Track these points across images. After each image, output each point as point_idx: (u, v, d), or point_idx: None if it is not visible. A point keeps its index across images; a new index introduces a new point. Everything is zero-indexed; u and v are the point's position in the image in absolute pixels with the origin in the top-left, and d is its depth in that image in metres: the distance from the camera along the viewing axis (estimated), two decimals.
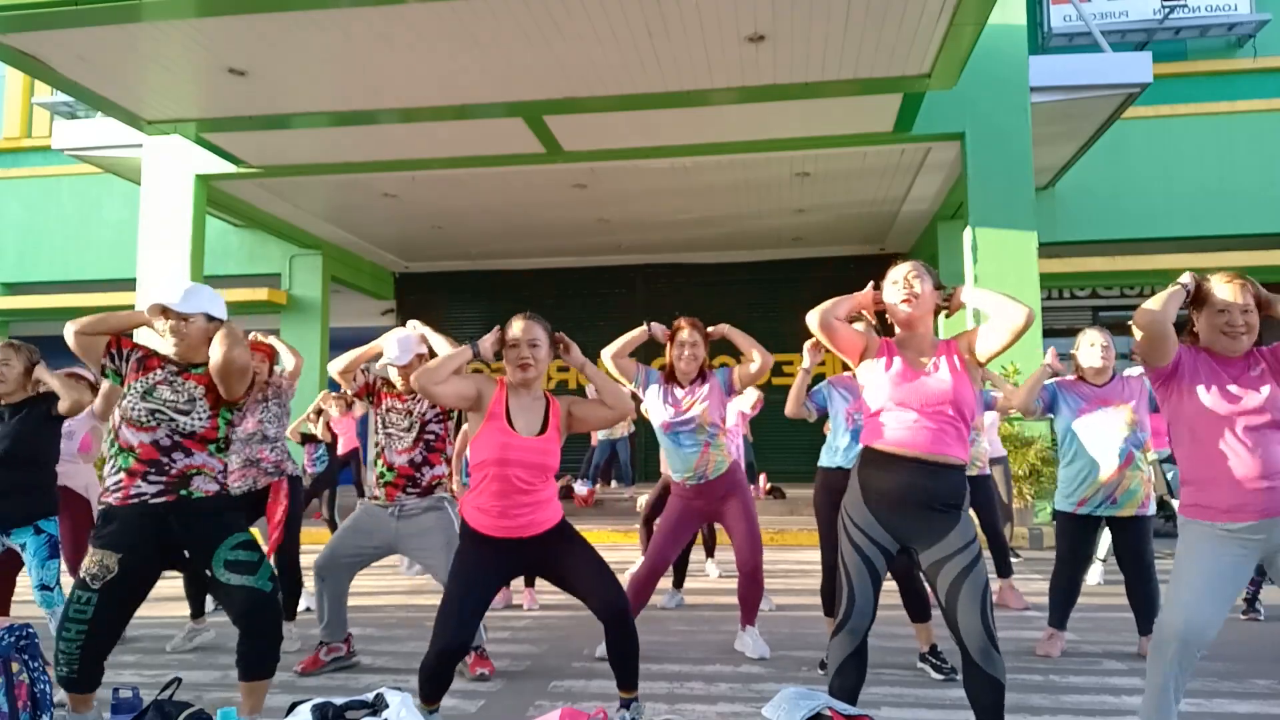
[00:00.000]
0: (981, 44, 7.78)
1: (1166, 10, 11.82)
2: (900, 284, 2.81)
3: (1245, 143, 11.24)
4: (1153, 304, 2.61)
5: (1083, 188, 11.31)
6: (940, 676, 3.81)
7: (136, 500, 2.83)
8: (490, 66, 7.32)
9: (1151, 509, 4.21)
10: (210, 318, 3.03)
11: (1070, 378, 4.35)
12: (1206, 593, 2.60)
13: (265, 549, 3.02)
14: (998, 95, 8.81)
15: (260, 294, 12.45)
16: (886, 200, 11.46)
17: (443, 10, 6.42)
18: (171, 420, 2.90)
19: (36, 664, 2.88)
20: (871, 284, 2.93)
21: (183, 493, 2.86)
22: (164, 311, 2.98)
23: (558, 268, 14.48)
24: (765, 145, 9.20)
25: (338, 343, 13.76)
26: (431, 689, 3.04)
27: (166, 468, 2.86)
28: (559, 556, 3.13)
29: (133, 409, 2.92)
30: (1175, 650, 2.60)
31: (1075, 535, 4.26)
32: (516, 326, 3.14)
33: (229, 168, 9.84)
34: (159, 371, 2.98)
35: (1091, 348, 4.24)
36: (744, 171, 10.21)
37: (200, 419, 2.95)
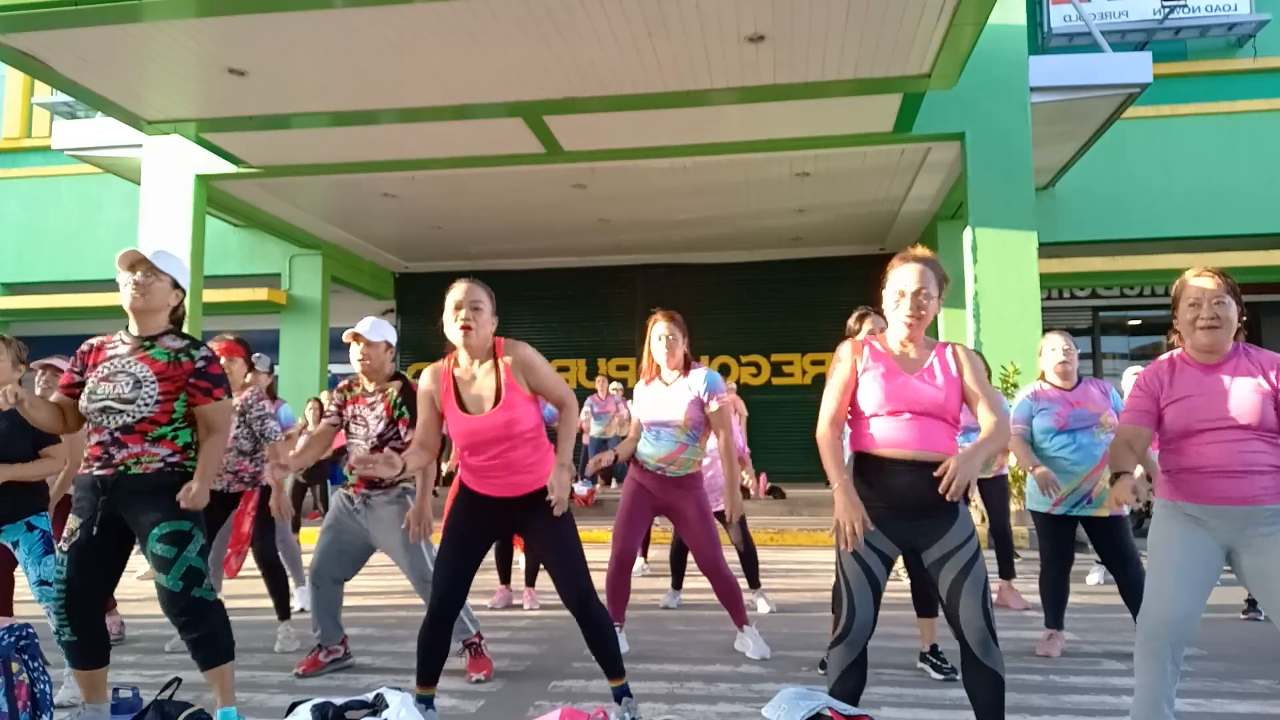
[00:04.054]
0: (981, 44, 7.78)
1: (1166, 10, 11.81)
2: (909, 303, 2.65)
3: (1245, 143, 11.25)
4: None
5: (1083, 188, 11.32)
6: (940, 676, 3.81)
7: (87, 473, 2.95)
8: (490, 66, 7.32)
9: (1125, 509, 4.21)
10: (176, 284, 3.08)
11: (1040, 387, 4.35)
12: (1183, 580, 2.64)
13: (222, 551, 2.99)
14: (998, 95, 8.81)
15: (260, 294, 12.46)
16: (886, 200, 11.46)
17: (442, 10, 6.42)
18: (119, 413, 2.90)
19: (36, 664, 2.88)
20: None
21: (120, 469, 2.91)
22: (133, 264, 2.98)
23: (558, 268, 14.48)
24: (765, 145, 9.20)
25: (338, 343, 13.76)
26: (430, 663, 3.07)
27: (109, 460, 2.92)
28: (540, 528, 3.14)
29: (86, 411, 2.96)
30: (1165, 643, 2.63)
31: (1054, 535, 4.28)
32: (457, 290, 3.08)
33: (229, 168, 9.84)
34: (105, 365, 2.97)
35: (1053, 352, 4.28)
36: (744, 171, 10.21)
37: (147, 404, 2.91)
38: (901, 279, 2.68)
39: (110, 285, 12.70)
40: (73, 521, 2.92)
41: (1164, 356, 2.85)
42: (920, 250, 2.75)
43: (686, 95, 7.89)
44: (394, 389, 3.96)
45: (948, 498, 2.44)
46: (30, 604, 5.10)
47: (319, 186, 10.79)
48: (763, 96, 7.96)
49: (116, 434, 2.90)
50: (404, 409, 3.91)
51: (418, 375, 4.21)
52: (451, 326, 3.06)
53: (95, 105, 8.26)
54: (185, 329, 3.17)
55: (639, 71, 7.45)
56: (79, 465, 3.06)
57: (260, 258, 12.92)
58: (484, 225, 12.48)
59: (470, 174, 10.20)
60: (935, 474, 2.48)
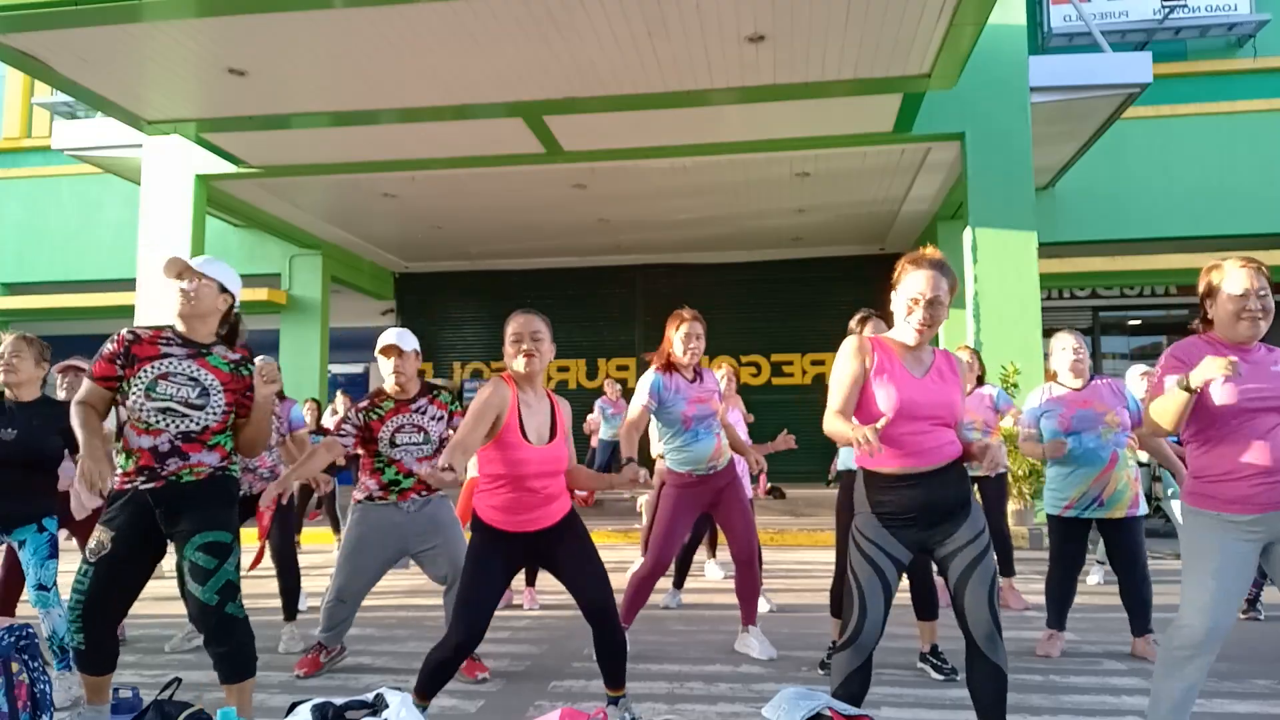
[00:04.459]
0: (981, 44, 7.78)
1: (1166, 10, 11.81)
2: (922, 312, 2.60)
3: (1245, 143, 11.25)
4: (1161, 418, 2.63)
5: (1083, 188, 11.32)
6: (940, 677, 3.82)
7: (130, 486, 2.88)
8: (490, 66, 7.32)
9: (1141, 509, 4.20)
10: (223, 288, 3.05)
11: (1050, 390, 4.34)
12: (1221, 593, 2.60)
13: (244, 554, 2.96)
14: (998, 95, 8.81)
15: (260, 294, 12.46)
16: (886, 200, 11.46)
17: (443, 10, 6.42)
18: (184, 417, 2.86)
19: (36, 664, 2.87)
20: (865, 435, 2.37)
21: (171, 479, 2.87)
22: (179, 273, 2.97)
23: (558, 268, 14.49)
24: (765, 145, 9.20)
25: (338, 343, 13.83)
26: (435, 683, 3.06)
27: (159, 471, 2.86)
28: (561, 545, 3.16)
29: (139, 409, 2.86)
30: (1199, 657, 2.60)
31: (1065, 536, 4.27)
32: (516, 321, 3.10)
33: (229, 168, 9.84)
34: (160, 362, 2.89)
35: (1063, 352, 4.25)
36: (744, 171, 10.21)
37: (214, 414, 2.93)
38: (915, 285, 2.60)
39: (110, 285, 12.72)
40: (103, 534, 2.85)
41: (1193, 337, 2.78)
42: (932, 252, 2.67)
43: (686, 95, 7.89)
44: (443, 391, 4.09)
45: (988, 470, 2.68)
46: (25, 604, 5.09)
47: (319, 186, 10.79)
48: (763, 96, 7.96)
49: (177, 441, 2.86)
50: (456, 404, 4.07)
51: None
52: (515, 359, 3.07)
53: (95, 105, 8.26)
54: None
55: (639, 71, 7.45)
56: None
57: (260, 258, 12.91)
58: (484, 225, 12.48)
59: (470, 174, 10.20)
60: (973, 452, 2.65)
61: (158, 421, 2.86)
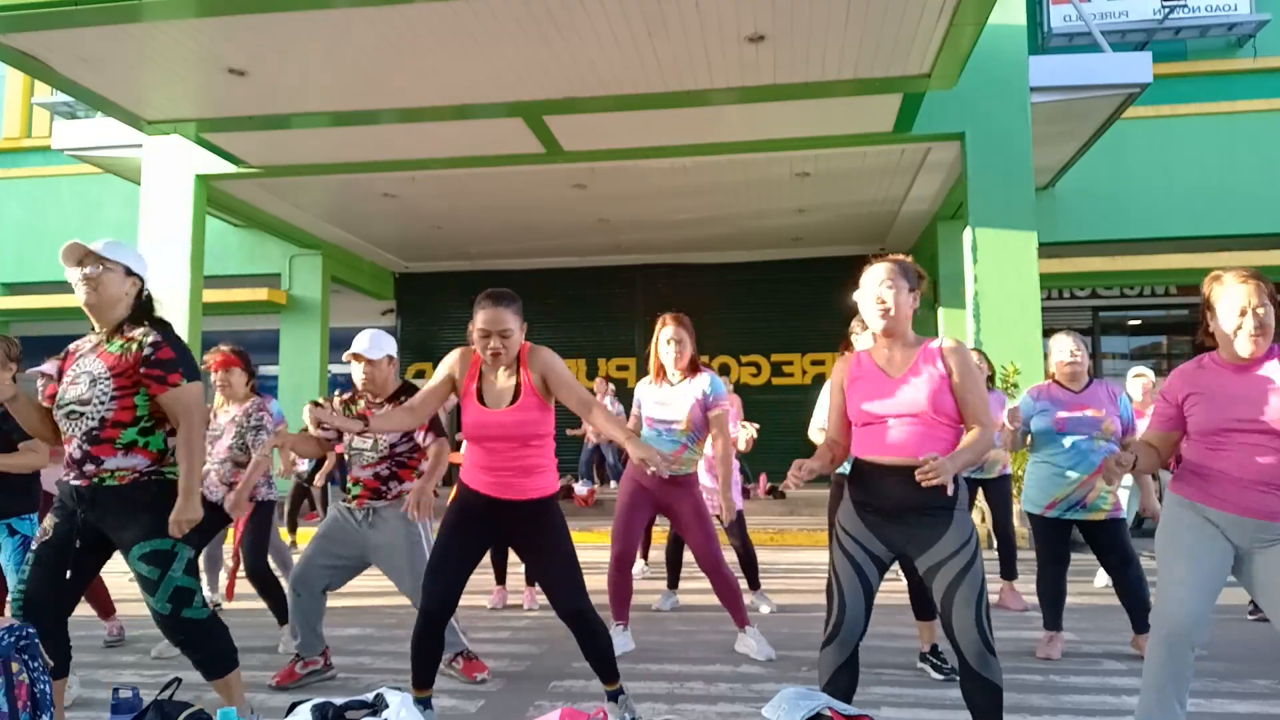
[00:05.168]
0: (981, 44, 7.78)
1: (1166, 10, 11.81)
2: (873, 298, 2.68)
3: (1245, 143, 11.24)
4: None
5: (1083, 188, 11.31)
6: (940, 676, 3.82)
7: (66, 479, 2.84)
8: (490, 66, 7.32)
9: (1124, 512, 4.21)
10: (129, 271, 2.88)
11: (1048, 385, 4.33)
12: (1192, 581, 2.62)
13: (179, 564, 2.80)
14: (998, 95, 8.80)
15: (260, 294, 12.46)
16: (886, 200, 11.46)
17: (443, 10, 6.42)
18: (80, 416, 2.76)
19: (36, 664, 2.87)
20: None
21: (95, 480, 2.79)
22: (80, 259, 2.81)
23: (558, 268, 14.49)
24: (765, 145, 9.20)
25: (338, 343, 13.77)
26: (422, 667, 3.06)
27: (82, 472, 2.80)
28: (536, 538, 3.14)
29: (58, 419, 2.83)
30: (1171, 644, 2.62)
31: (1048, 537, 4.27)
32: (484, 317, 3.05)
33: (229, 168, 9.83)
34: (70, 371, 2.84)
35: (1059, 353, 4.26)
36: (744, 171, 10.21)
37: (102, 402, 2.75)
38: (863, 282, 2.74)
39: None
40: (48, 521, 2.82)
41: (1194, 360, 2.76)
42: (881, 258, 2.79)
43: (686, 95, 7.89)
44: (404, 400, 3.86)
45: (920, 480, 2.36)
46: None
47: (319, 186, 10.79)
48: (763, 96, 7.96)
49: (85, 446, 2.76)
50: None
51: (418, 376, 4.19)
52: (483, 352, 3.07)
53: (95, 105, 8.26)
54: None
55: (639, 71, 7.45)
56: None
57: (260, 258, 12.91)
58: (484, 225, 12.48)
59: (470, 174, 10.20)
60: (915, 473, 2.40)
61: (68, 428, 2.80)
